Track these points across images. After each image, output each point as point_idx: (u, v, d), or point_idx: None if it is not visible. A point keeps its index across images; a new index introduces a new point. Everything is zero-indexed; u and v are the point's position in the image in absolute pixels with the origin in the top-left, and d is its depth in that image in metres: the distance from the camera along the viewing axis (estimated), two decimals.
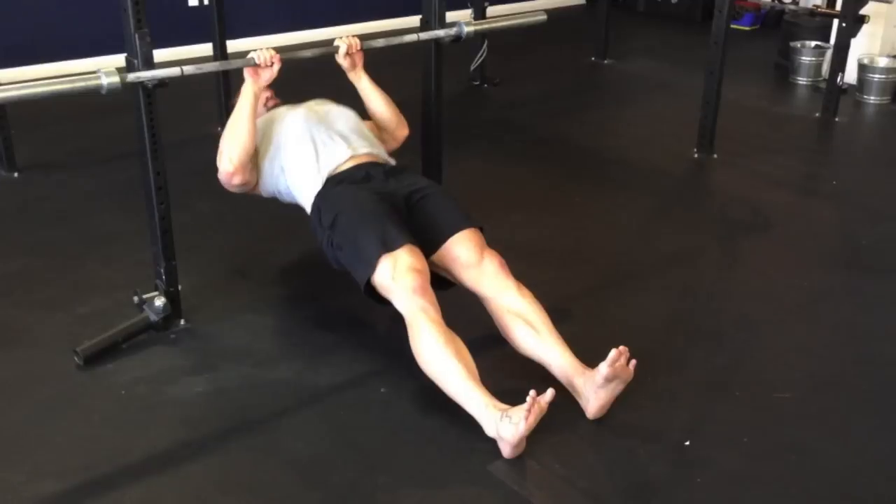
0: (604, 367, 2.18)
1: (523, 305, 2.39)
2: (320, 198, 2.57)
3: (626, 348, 2.20)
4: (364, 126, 2.83)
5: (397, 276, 2.30)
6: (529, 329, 2.36)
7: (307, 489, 2.08)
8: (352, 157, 2.65)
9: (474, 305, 2.50)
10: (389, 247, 2.34)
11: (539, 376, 2.29)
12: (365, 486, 2.10)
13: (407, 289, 2.29)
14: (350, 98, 2.94)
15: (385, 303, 2.38)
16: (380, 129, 2.94)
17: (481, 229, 2.55)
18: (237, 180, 2.70)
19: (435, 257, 2.49)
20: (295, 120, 2.74)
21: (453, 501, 2.05)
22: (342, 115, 2.82)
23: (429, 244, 2.47)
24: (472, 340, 2.32)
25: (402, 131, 2.94)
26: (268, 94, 2.93)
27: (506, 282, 2.43)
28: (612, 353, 2.18)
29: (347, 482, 2.10)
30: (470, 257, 2.46)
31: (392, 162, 2.77)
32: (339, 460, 2.17)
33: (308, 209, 2.63)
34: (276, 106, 2.94)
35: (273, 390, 2.43)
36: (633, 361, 2.23)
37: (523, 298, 2.40)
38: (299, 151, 2.66)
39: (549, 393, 2.09)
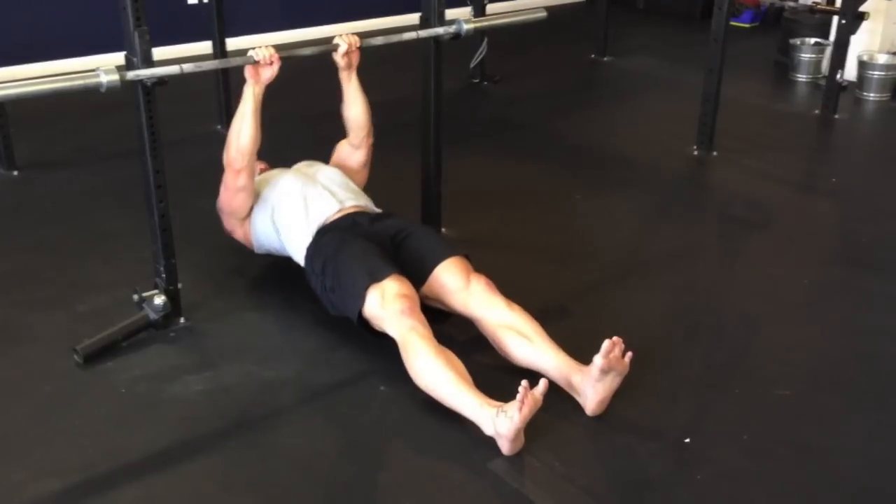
0: (598, 359, 2.19)
1: (514, 318, 2.43)
2: (311, 247, 2.65)
3: (620, 339, 2.22)
4: (350, 182, 2.92)
5: (386, 303, 2.36)
6: (523, 339, 2.39)
7: (307, 487, 2.08)
8: (340, 210, 2.73)
9: None
10: (376, 277, 2.40)
11: (534, 376, 2.28)
12: (365, 483, 2.10)
13: (396, 313, 2.34)
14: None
15: (380, 335, 2.42)
16: (350, 134, 2.99)
17: (467, 257, 2.60)
18: (242, 181, 2.73)
19: (425, 289, 2.54)
20: (287, 181, 2.82)
21: (453, 499, 2.05)
22: (329, 173, 2.90)
23: (417, 277, 2.52)
24: (466, 343, 2.31)
25: (370, 139, 3.00)
26: (262, 166, 3.01)
27: (494, 299, 2.47)
28: (606, 343, 2.19)
29: (348, 480, 2.11)
30: (457, 282, 2.51)
31: (378, 210, 2.84)
32: (339, 458, 2.18)
33: (302, 262, 2.69)
34: (267, 170, 3.03)
35: (273, 388, 2.43)
36: (629, 353, 2.23)
37: (513, 312, 2.44)
38: (291, 211, 2.74)
39: (542, 383, 2.10)
